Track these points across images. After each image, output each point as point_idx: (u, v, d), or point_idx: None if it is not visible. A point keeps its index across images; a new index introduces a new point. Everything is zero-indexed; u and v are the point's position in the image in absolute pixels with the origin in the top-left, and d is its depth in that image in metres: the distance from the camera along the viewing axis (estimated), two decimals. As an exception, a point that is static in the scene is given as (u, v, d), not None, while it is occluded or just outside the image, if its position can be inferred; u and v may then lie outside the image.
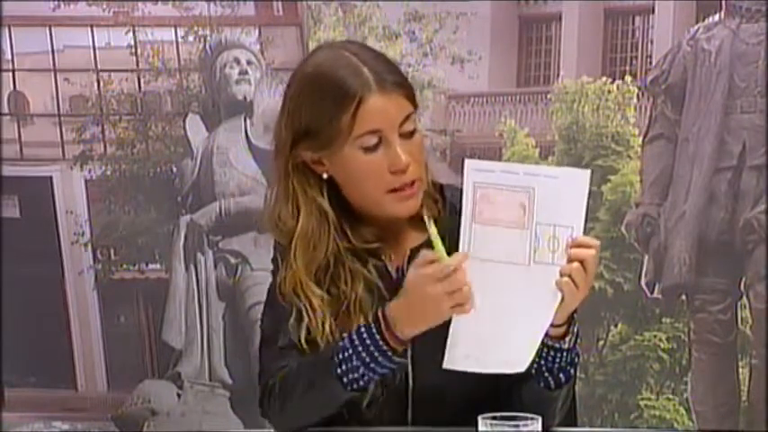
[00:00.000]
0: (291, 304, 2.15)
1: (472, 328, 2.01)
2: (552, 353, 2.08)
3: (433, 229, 2.03)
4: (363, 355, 2.05)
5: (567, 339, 2.07)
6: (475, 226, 2.01)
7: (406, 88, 2.12)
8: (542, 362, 2.08)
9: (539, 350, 2.05)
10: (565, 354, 2.08)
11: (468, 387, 2.09)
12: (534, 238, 1.99)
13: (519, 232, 1.99)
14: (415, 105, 2.14)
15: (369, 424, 2.18)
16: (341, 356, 2.06)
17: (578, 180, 1.99)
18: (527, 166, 2.04)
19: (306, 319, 2.13)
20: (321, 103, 2.09)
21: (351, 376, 2.07)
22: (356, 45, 2.17)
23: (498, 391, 2.13)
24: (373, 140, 2.09)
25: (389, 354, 2.05)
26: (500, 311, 2.01)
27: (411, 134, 2.12)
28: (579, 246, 1.99)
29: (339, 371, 2.07)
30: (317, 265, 2.15)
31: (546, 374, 2.10)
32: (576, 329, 2.09)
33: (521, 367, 2.01)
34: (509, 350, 2.01)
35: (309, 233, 2.15)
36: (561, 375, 2.10)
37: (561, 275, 1.99)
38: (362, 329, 2.06)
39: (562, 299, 2.00)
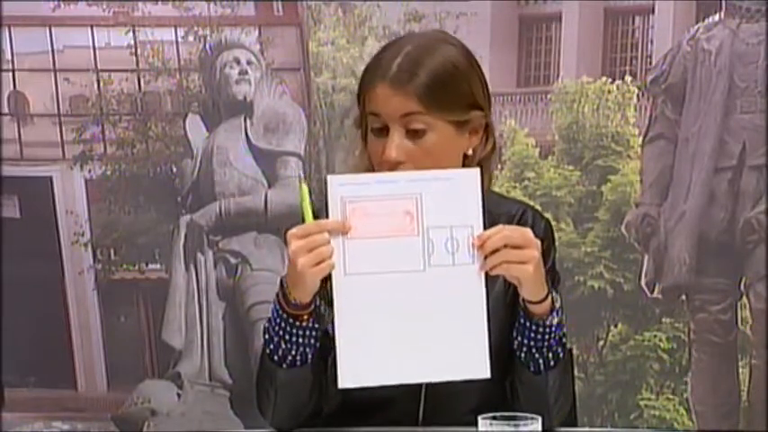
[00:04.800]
0: None
1: (363, 341, 2.02)
2: (540, 330, 2.11)
3: (304, 193, 2.05)
4: (277, 328, 2.11)
5: (550, 318, 2.11)
6: (347, 242, 2.01)
7: (422, 89, 2.14)
8: (531, 342, 2.12)
9: (527, 332, 2.10)
10: (552, 331, 2.11)
11: (480, 386, 2.10)
12: (427, 242, 2.01)
13: (408, 239, 2.01)
14: (454, 118, 2.18)
15: (379, 423, 2.20)
16: (266, 336, 2.13)
17: (469, 180, 2.03)
18: (409, 173, 2.07)
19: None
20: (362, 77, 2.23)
21: (278, 352, 2.12)
22: (416, 38, 2.25)
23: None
24: (377, 123, 2.17)
25: (292, 320, 2.10)
26: (396, 321, 2.02)
27: (418, 134, 2.15)
28: (486, 240, 2.01)
29: (268, 350, 2.13)
30: None
31: (536, 355, 2.13)
32: (559, 305, 2.12)
33: (483, 372, 2.02)
34: (433, 355, 2.02)
35: None
36: (550, 355, 2.13)
37: (497, 265, 2.01)
38: (273, 301, 2.12)
39: (519, 282, 2.04)
